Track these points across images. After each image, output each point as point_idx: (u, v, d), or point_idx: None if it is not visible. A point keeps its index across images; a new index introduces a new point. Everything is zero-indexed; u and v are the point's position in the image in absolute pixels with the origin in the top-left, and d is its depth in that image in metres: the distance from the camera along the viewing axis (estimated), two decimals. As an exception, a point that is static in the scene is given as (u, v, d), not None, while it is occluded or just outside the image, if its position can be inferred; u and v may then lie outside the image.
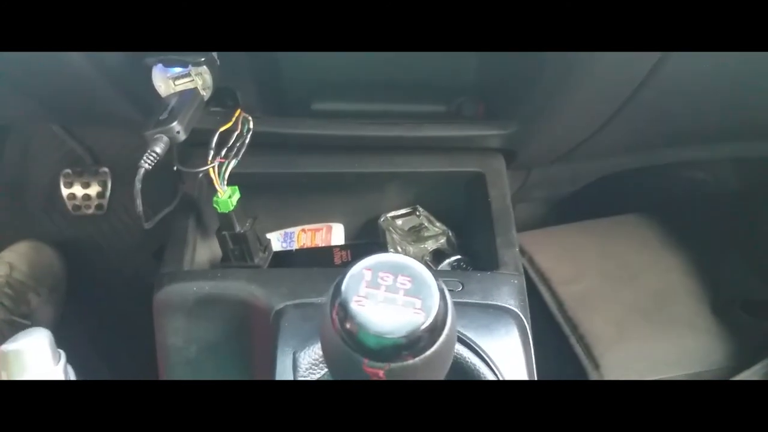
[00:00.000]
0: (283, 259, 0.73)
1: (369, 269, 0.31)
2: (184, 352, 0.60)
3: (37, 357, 0.37)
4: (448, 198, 0.75)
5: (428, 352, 0.30)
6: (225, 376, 0.60)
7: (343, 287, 0.31)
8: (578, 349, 0.75)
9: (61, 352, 0.39)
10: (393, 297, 0.30)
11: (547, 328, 0.80)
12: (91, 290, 1.21)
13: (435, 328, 0.30)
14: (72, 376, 0.38)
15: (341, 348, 0.31)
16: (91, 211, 1.26)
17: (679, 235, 0.87)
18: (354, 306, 0.30)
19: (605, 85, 0.61)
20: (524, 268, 0.83)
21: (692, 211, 0.92)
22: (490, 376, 0.48)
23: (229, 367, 0.60)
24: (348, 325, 0.30)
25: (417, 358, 0.30)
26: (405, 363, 0.30)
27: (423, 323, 0.30)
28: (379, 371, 0.30)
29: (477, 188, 0.70)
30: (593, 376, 0.72)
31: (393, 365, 0.30)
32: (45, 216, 1.28)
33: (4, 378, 0.37)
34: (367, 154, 0.71)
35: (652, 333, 0.76)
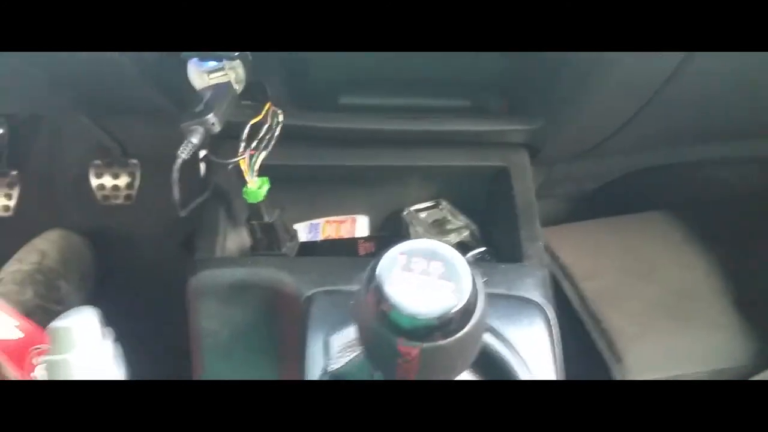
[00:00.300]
0: (309, 249, 0.75)
1: (403, 254, 0.33)
2: (217, 335, 0.62)
3: (86, 333, 0.38)
4: (472, 192, 0.76)
5: (460, 334, 0.32)
6: (255, 359, 0.62)
7: (379, 271, 0.32)
8: (601, 344, 0.76)
9: (110, 329, 0.41)
10: (426, 280, 0.32)
11: (569, 322, 0.81)
12: (119, 278, 1.24)
13: (466, 311, 0.32)
14: (120, 354, 0.40)
15: (376, 328, 0.32)
16: (119, 201, 1.29)
17: (702, 233, 0.88)
18: (389, 288, 0.32)
19: (630, 81, 0.62)
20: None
21: (716, 209, 0.92)
22: (517, 364, 0.49)
23: (259, 351, 0.62)
24: (383, 307, 0.32)
25: (449, 339, 0.31)
26: (437, 343, 0.31)
27: (455, 306, 0.31)
28: (413, 350, 0.31)
29: (501, 182, 0.71)
30: (615, 370, 0.73)
31: (426, 345, 0.31)
32: (75, 205, 1.31)
33: (54, 354, 0.39)
34: (392, 148, 0.72)
35: (674, 329, 0.77)
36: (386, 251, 0.33)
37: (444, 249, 0.33)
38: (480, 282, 0.33)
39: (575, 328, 0.79)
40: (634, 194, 0.96)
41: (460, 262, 0.33)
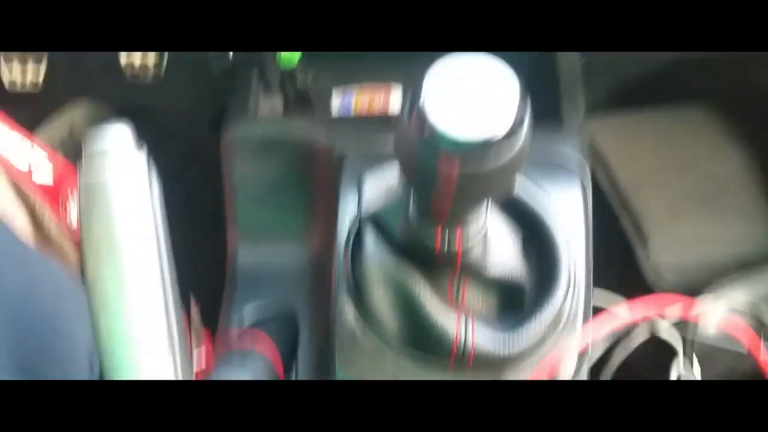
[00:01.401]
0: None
1: (450, 73, 0.32)
2: (250, 188, 0.63)
3: (120, 147, 0.38)
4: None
5: (503, 158, 0.31)
6: (287, 211, 0.64)
7: (423, 89, 0.31)
8: (628, 227, 0.76)
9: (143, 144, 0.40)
10: (473, 102, 0.31)
11: (600, 208, 0.80)
12: (148, 154, 1.26)
13: (512, 133, 0.31)
14: (153, 168, 0.39)
15: (418, 150, 0.32)
16: (149, 78, 1.28)
17: (746, 129, 0.85)
18: (432, 110, 0.31)
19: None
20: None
21: (763, 104, 0.88)
22: (551, 218, 0.49)
23: (291, 203, 0.64)
24: (425, 129, 0.31)
25: (492, 162, 0.31)
26: (475, 171, 0.31)
27: (500, 129, 0.31)
28: (452, 173, 0.31)
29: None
30: (640, 252, 0.74)
31: (465, 169, 0.31)
32: (104, 81, 1.30)
33: (90, 179, 0.38)
34: None
35: (703, 216, 0.76)
36: (432, 67, 0.32)
37: (491, 66, 0.32)
38: (527, 108, 0.32)
39: (605, 213, 0.79)
40: (680, 86, 0.92)
41: (509, 81, 0.32)
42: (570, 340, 0.47)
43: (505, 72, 0.32)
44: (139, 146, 0.39)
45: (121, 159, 0.37)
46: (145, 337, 0.35)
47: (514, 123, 0.31)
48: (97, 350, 0.36)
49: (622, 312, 0.50)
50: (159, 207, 0.38)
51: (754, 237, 0.75)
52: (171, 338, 0.36)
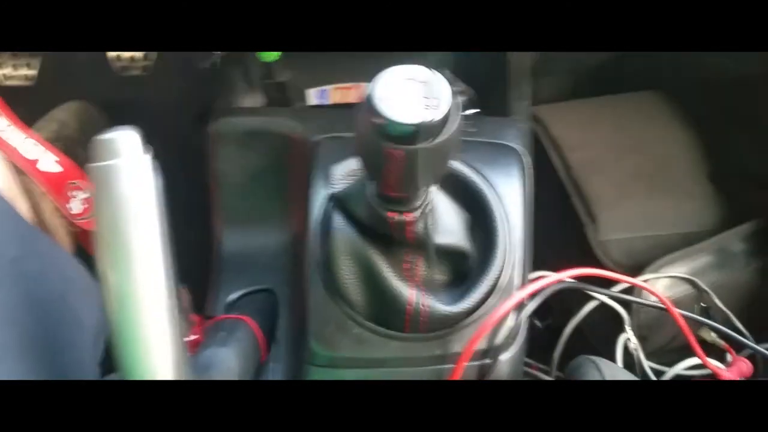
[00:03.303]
0: (318, 111, 0.81)
1: (396, 76, 0.39)
2: (233, 177, 0.70)
3: (129, 144, 0.37)
4: (473, 62, 0.81)
5: (437, 140, 0.39)
6: (267, 198, 0.70)
7: (373, 87, 0.39)
8: (579, 207, 0.83)
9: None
10: (413, 98, 0.38)
11: (555, 191, 0.87)
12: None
13: (442, 123, 0.38)
14: (158, 168, 0.41)
15: (369, 135, 0.39)
16: (137, 72, 1.33)
17: (693, 113, 0.91)
18: (379, 102, 0.38)
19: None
20: (539, 136, 0.89)
21: (712, 91, 0.94)
22: (492, 198, 0.56)
23: (271, 190, 0.70)
24: (374, 117, 0.38)
25: (426, 144, 0.38)
26: (417, 147, 0.38)
27: (432, 118, 0.38)
28: (397, 152, 0.39)
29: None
30: (590, 229, 0.81)
31: (408, 147, 0.38)
32: (92, 77, 1.34)
33: (101, 161, 0.39)
34: None
35: (650, 195, 0.83)
36: (382, 73, 0.39)
37: (429, 73, 0.39)
38: (457, 104, 0.39)
39: (559, 196, 0.86)
40: (633, 74, 0.99)
41: (442, 84, 0.39)
42: (507, 300, 0.54)
43: (438, 77, 0.39)
44: (147, 151, 0.38)
45: (135, 172, 0.37)
46: (153, 327, 0.37)
47: (444, 115, 0.38)
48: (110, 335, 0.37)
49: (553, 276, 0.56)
50: (162, 204, 0.38)
51: (695, 215, 0.82)
52: (173, 326, 0.38)
